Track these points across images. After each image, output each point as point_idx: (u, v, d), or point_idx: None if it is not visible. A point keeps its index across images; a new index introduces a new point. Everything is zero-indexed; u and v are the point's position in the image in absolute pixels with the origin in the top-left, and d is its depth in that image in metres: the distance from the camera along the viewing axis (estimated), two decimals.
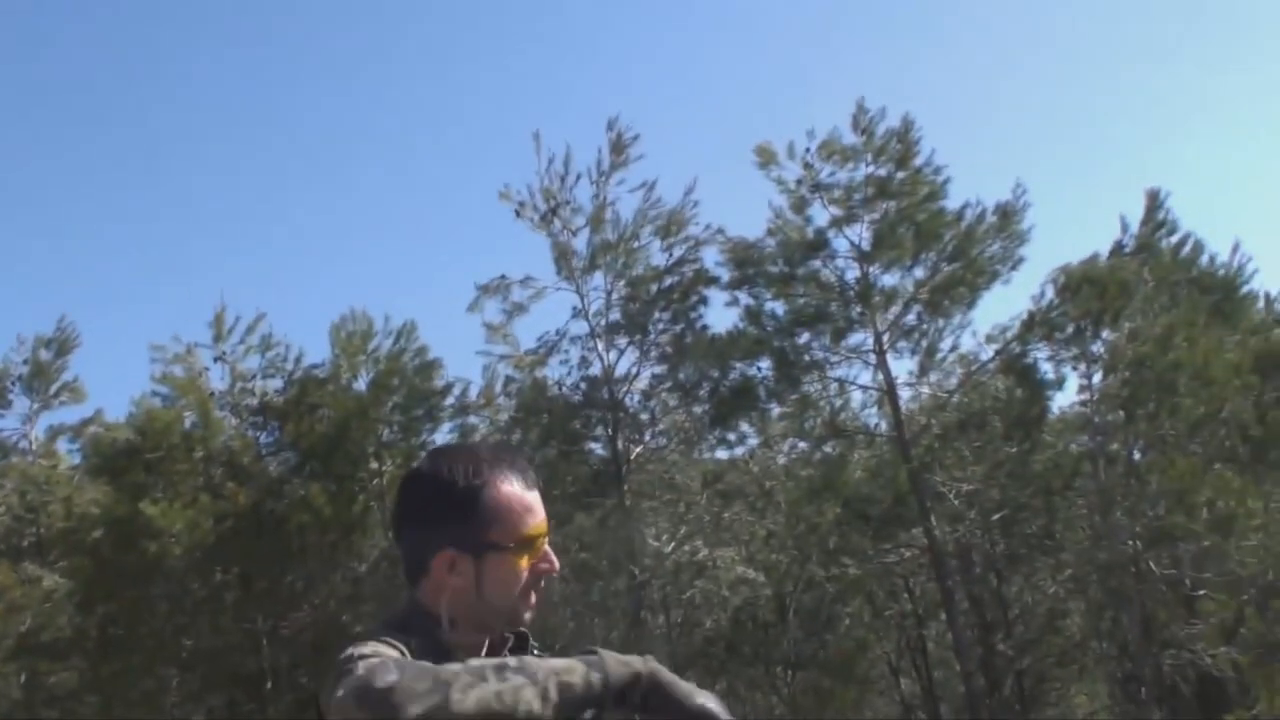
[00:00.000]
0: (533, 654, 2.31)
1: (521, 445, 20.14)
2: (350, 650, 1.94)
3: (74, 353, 19.08)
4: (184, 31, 52.34)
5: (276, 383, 20.02)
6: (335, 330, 20.37)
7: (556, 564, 2.23)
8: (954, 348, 21.40)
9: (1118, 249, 21.86)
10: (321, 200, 49.47)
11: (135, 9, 51.75)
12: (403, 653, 2.00)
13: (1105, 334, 20.56)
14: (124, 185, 47.49)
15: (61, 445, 22.17)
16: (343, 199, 50.17)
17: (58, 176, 44.23)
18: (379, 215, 47.94)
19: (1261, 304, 22.53)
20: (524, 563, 2.18)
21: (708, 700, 1.94)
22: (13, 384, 22.14)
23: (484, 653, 2.20)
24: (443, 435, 20.90)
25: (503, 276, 21.40)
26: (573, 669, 1.86)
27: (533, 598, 2.20)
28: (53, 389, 22.08)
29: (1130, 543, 17.79)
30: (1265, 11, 47.14)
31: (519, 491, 2.21)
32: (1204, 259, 21.83)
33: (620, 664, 1.92)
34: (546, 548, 2.22)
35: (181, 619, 17.33)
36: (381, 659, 1.89)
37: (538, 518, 2.21)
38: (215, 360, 19.74)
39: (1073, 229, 42.44)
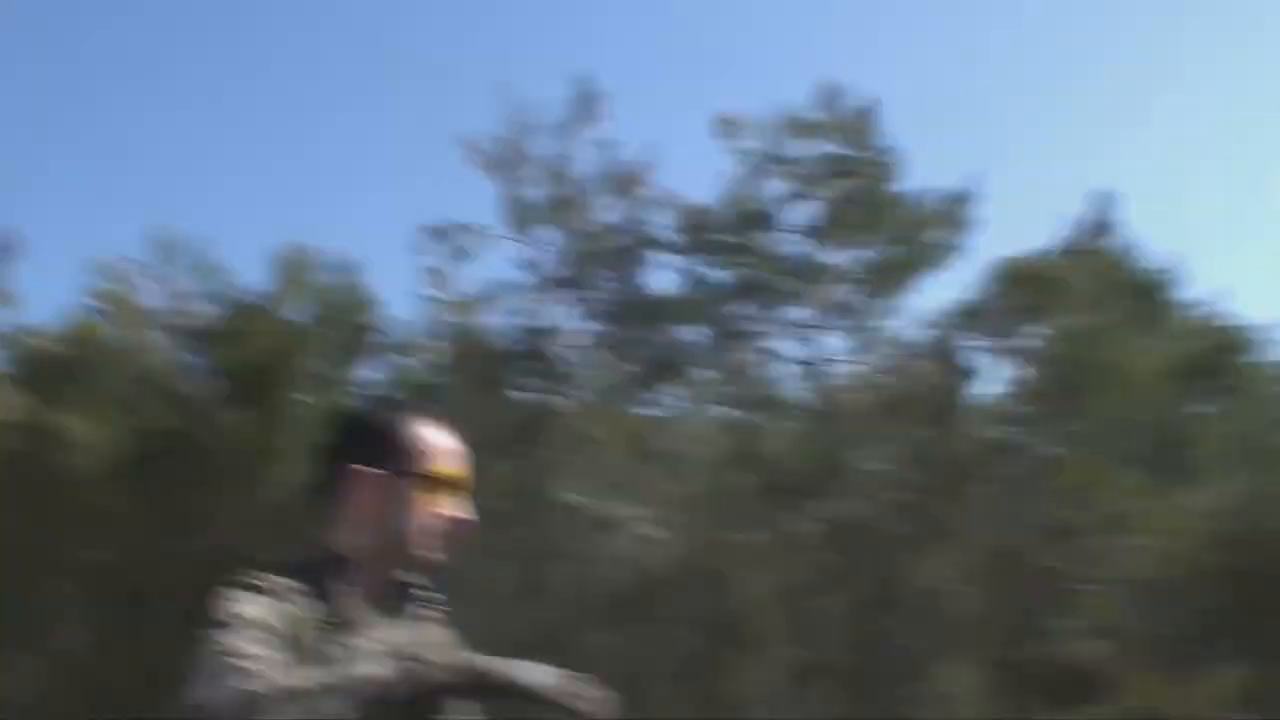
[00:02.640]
0: (432, 606, 2.36)
1: (451, 388, 20.48)
2: (226, 610, 2.02)
3: (11, 262, 19.29)
4: None
5: (212, 308, 20.25)
6: (275, 260, 20.61)
7: (474, 518, 2.32)
8: (886, 330, 21.60)
9: (1058, 247, 21.93)
10: (273, 129, 49.11)
11: None
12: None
13: (1036, 329, 20.75)
14: (68, 96, 47.25)
15: None
16: (295, 131, 49.82)
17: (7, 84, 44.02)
18: (328, 150, 47.64)
19: (1188, 313, 22.57)
20: (438, 502, 2.27)
21: (546, 675, 2.01)
22: None
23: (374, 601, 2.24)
24: (374, 372, 21.15)
25: (449, 221, 21.64)
26: (381, 678, 1.93)
27: (441, 543, 2.29)
28: None
29: (1026, 535, 18.05)
30: (1220, 22, 46.75)
31: (439, 434, 2.32)
32: (1140, 263, 21.89)
33: (442, 667, 1.98)
34: (468, 502, 2.32)
35: (86, 531, 17.61)
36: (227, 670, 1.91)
37: (455, 462, 2.31)
38: (151, 280, 19.98)
39: (1016, 224, 42.28)
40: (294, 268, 20.56)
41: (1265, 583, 16.93)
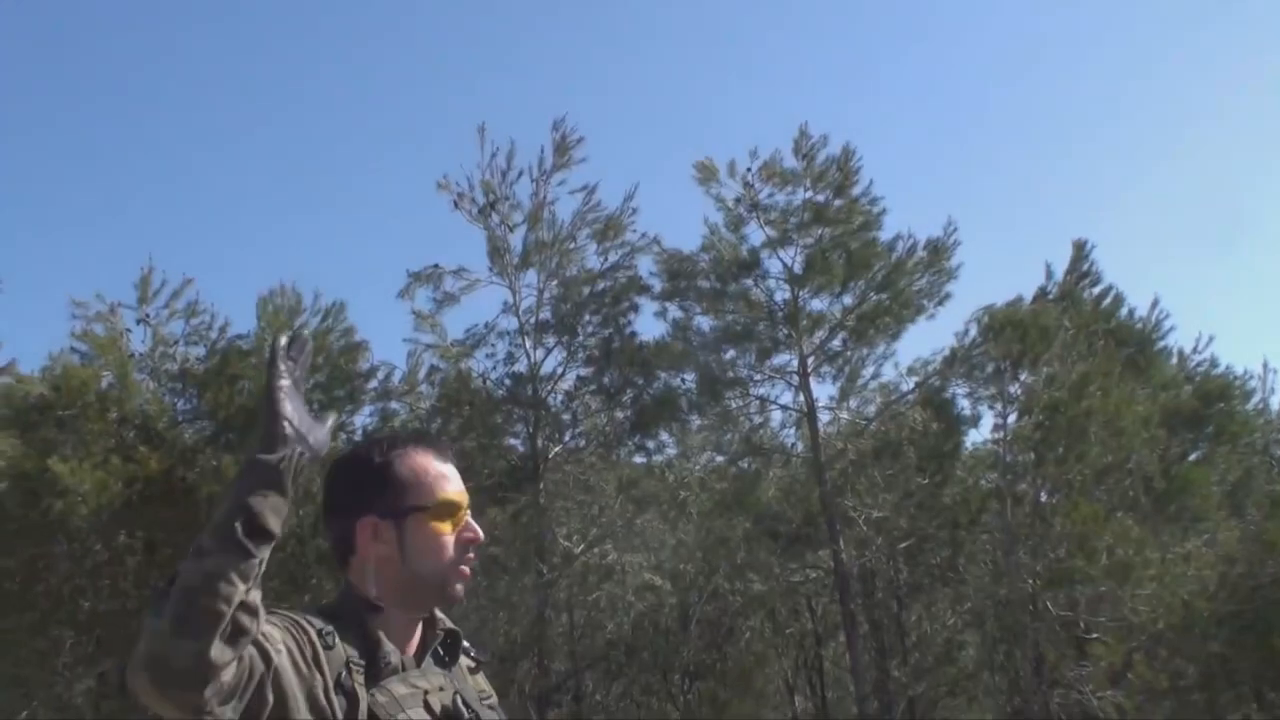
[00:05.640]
0: (469, 656, 2.39)
1: (440, 434, 20.16)
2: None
3: None
4: None
5: (199, 350, 19.77)
6: (263, 303, 20.18)
7: (481, 533, 2.31)
8: (875, 376, 21.80)
9: (1042, 295, 22.33)
10: (258, 172, 48.97)
11: None
12: (309, 634, 2.07)
13: (1023, 376, 20.99)
14: (57, 137, 46.59)
15: None
16: (280, 174, 49.72)
17: None
18: (315, 193, 47.58)
19: (1175, 360, 23.13)
20: (447, 529, 2.26)
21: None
22: None
23: (414, 646, 2.27)
24: (363, 418, 20.81)
25: (436, 265, 21.43)
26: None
27: (463, 570, 2.29)
28: None
29: (1029, 581, 18.19)
30: (1199, 72, 48.36)
31: (432, 459, 2.31)
32: (1123, 312, 22.37)
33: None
34: (470, 519, 2.31)
35: (81, 580, 17.07)
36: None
37: (455, 485, 2.31)
38: (138, 322, 19.40)
39: (999, 271, 43.23)
40: (281, 310, 20.17)
41: (1266, 628, 17.20)
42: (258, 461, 1.93)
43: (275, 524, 1.89)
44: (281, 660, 1.97)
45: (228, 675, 1.83)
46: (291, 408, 2.01)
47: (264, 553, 1.88)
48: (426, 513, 2.25)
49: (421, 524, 2.24)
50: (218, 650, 1.80)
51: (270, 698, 1.94)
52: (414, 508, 2.24)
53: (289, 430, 1.97)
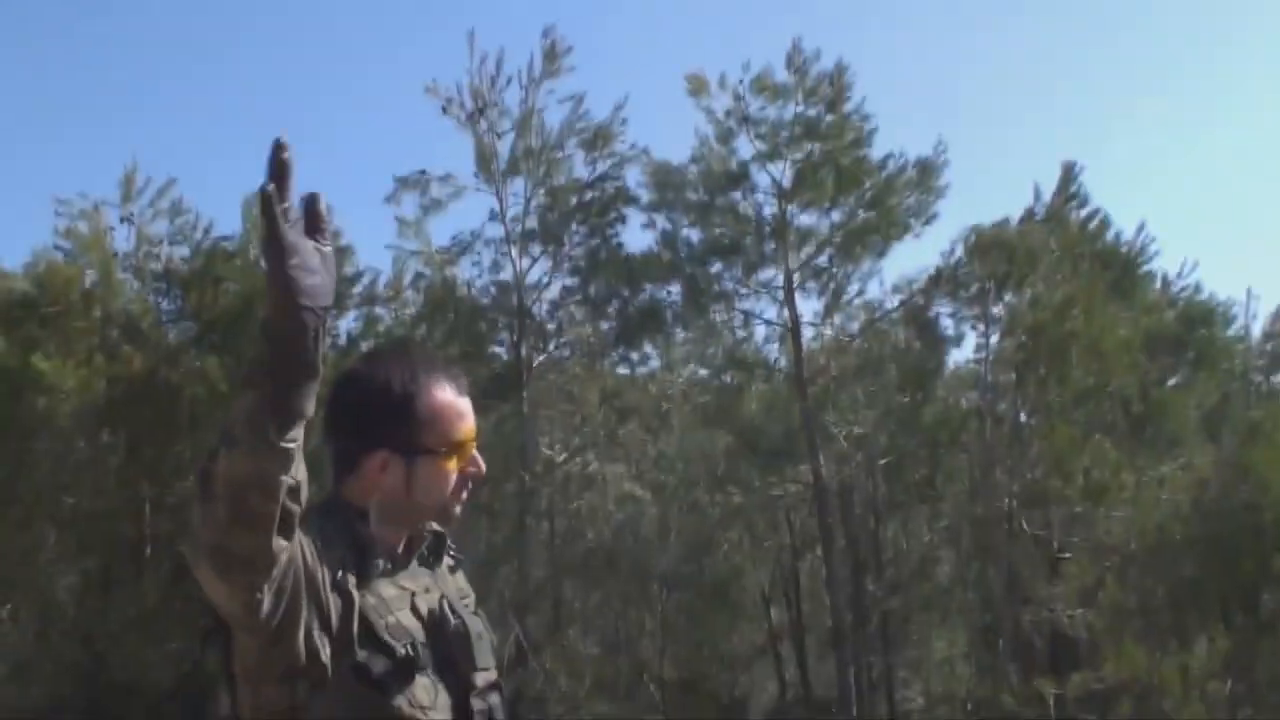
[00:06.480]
0: (449, 554, 2.43)
1: (425, 341, 20.18)
2: None
3: None
4: None
5: (183, 250, 19.67)
6: (247, 205, 20.03)
7: (484, 467, 2.35)
8: (860, 294, 21.74)
9: (1029, 216, 22.27)
10: (244, 74, 48.36)
11: None
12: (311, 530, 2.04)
13: (1007, 297, 21.06)
14: (41, 36, 45.94)
15: None
16: (266, 75, 49.11)
17: None
18: (301, 95, 47.02)
19: (1158, 285, 23.19)
20: (453, 466, 2.29)
21: None
22: None
23: (400, 548, 2.29)
24: (348, 322, 20.80)
25: (422, 171, 21.27)
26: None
27: (462, 497, 2.33)
28: None
29: (1006, 500, 18.41)
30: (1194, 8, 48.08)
31: (452, 398, 2.31)
32: (1110, 235, 22.37)
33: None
34: (475, 452, 2.34)
35: (64, 477, 17.14)
36: None
37: (468, 423, 2.32)
38: (121, 221, 19.28)
39: (987, 191, 43.13)
40: None
41: (1235, 553, 17.44)
42: (284, 357, 1.77)
43: (309, 407, 1.81)
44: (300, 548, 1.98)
45: (284, 556, 1.89)
46: (306, 272, 1.77)
47: (300, 435, 1.81)
48: (440, 455, 2.27)
49: (432, 463, 2.26)
50: (276, 542, 1.85)
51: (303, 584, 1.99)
52: (429, 449, 2.26)
53: (307, 302, 1.76)
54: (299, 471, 1.84)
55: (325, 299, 1.81)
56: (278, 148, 1.74)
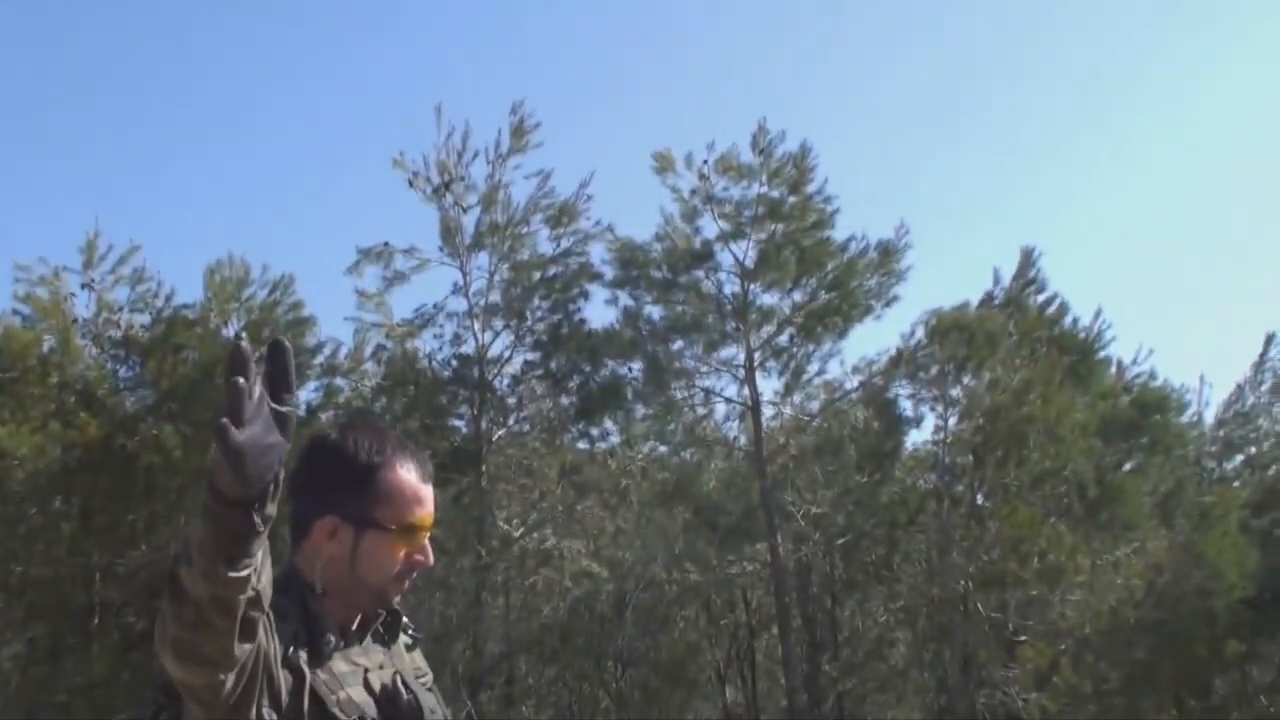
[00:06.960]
0: (407, 633, 2.44)
1: (384, 414, 20.11)
2: None
3: None
4: None
5: (143, 318, 19.63)
6: (210, 273, 20.05)
7: (431, 559, 2.35)
8: (820, 374, 21.86)
9: (988, 300, 22.56)
10: (210, 141, 48.48)
11: None
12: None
13: (966, 380, 21.22)
14: (2, 98, 45.92)
15: None
16: (232, 143, 49.23)
17: None
18: (267, 165, 47.16)
19: (1114, 370, 23.48)
20: (400, 549, 2.29)
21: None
22: None
23: (354, 626, 2.31)
24: (308, 393, 20.70)
25: (386, 243, 21.32)
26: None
27: (404, 584, 2.33)
28: None
29: (962, 582, 18.44)
30: (1150, 77, 49.00)
31: (414, 481, 2.31)
32: (1067, 320, 22.65)
33: None
34: (426, 542, 2.33)
35: (14, 545, 16.93)
36: None
37: (426, 510, 2.32)
38: (82, 287, 19.28)
39: (948, 274, 43.63)
40: (229, 282, 20.05)
41: (1188, 637, 17.54)
42: (227, 514, 1.74)
43: (260, 544, 1.79)
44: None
45: (243, 655, 1.91)
46: (252, 442, 1.72)
47: (258, 555, 1.80)
48: (389, 534, 2.27)
49: (379, 539, 2.26)
50: (238, 648, 1.87)
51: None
52: (379, 525, 2.26)
53: (248, 492, 1.73)
54: (260, 581, 1.83)
55: (266, 477, 1.75)
56: (235, 349, 1.74)
